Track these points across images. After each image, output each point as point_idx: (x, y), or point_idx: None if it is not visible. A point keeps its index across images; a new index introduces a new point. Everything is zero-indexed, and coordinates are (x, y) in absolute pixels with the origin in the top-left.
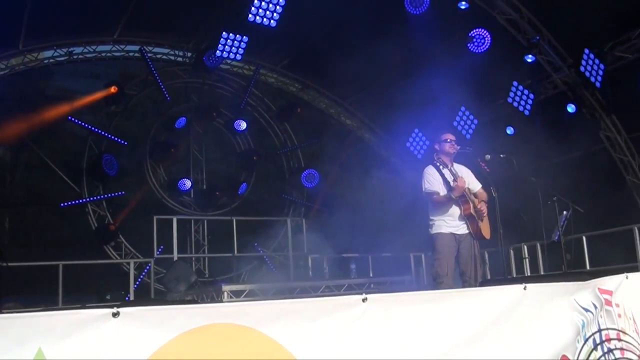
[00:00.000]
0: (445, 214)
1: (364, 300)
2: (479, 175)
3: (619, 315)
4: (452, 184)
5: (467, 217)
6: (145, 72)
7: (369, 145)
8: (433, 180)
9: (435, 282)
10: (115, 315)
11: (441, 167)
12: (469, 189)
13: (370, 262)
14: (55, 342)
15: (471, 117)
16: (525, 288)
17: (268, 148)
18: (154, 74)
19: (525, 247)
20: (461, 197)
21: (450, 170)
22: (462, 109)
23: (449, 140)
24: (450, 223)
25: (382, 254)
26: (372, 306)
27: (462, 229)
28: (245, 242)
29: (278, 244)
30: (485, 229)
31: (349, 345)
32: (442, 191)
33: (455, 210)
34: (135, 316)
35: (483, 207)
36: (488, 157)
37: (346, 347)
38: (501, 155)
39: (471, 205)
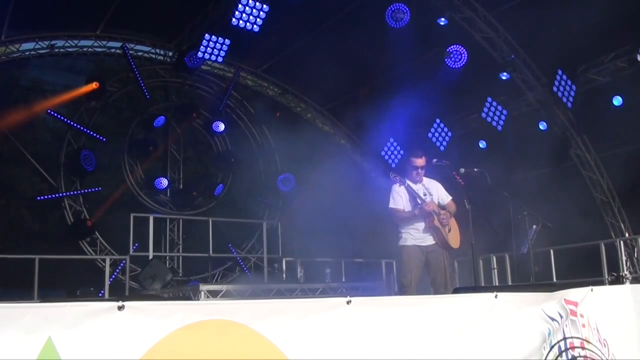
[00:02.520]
0: (410, 226)
1: (348, 302)
2: (453, 187)
3: (583, 325)
4: (420, 203)
5: (432, 229)
6: (126, 69)
7: (344, 151)
8: (398, 198)
9: (400, 293)
10: (120, 308)
11: (409, 183)
12: (438, 203)
13: (343, 267)
14: (64, 331)
15: (445, 129)
16: (496, 296)
17: (245, 150)
18: (134, 72)
19: (495, 257)
20: (425, 212)
21: (419, 189)
22: (437, 121)
23: (415, 165)
24: (415, 235)
25: (355, 260)
26: (355, 308)
27: (428, 240)
28: (220, 243)
29: (252, 245)
30: (454, 239)
31: (335, 345)
32: (407, 207)
33: (420, 223)
34: (139, 309)
35: (446, 217)
36: (462, 170)
37: (332, 346)
38: (475, 169)
39: (435, 217)
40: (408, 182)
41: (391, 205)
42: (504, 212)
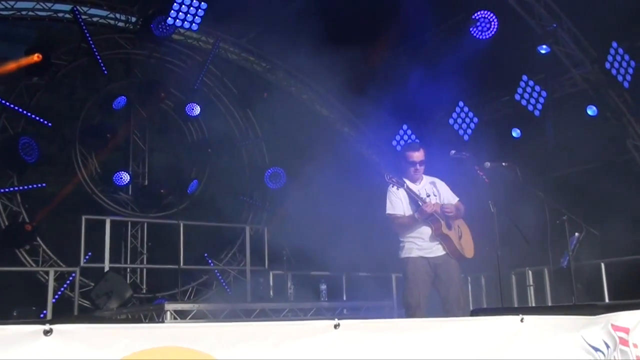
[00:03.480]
0: (414, 234)
1: (336, 326)
2: (474, 186)
3: (638, 358)
4: (420, 204)
5: (440, 237)
6: (78, 38)
7: (348, 141)
8: (396, 201)
9: (407, 315)
10: (47, 332)
11: (405, 187)
12: (440, 205)
13: (344, 282)
14: None
15: (470, 114)
16: (522, 320)
17: (226, 139)
18: (88, 41)
19: (530, 272)
20: (429, 216)
21: (419, 190)
22: (461, 104)
23: (412, 161)
24: (421, 245)
25: (359, 274)
26: (345, 334)
27: (436, 250)
28: (194, 252)
29: (233, 256)
30: (467, 246)
31: None
32: (408, 211)
33: (425, 230)
34: (71, 335)
35: (452, 213)
36: (488, 164)
37: None
38: (503, 164)
39: (443, 223)
40: (407, 182)
41: (389, 211)
42: (539, 217)
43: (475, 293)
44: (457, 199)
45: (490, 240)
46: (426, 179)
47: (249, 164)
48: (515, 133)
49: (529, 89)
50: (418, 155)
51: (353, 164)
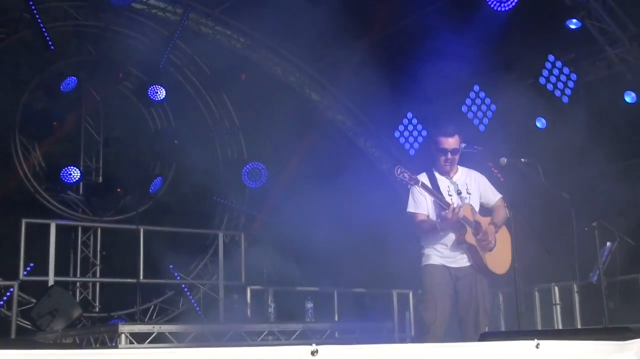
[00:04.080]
0: (436, 241)
1: (313, 353)
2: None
3: None
4: (443, 212)
5: (463, 246)
6: (19, 7)
7: (342, 131)
8: (420, 198)
9: (419, 333)
10: None
11: (421, 185)
12: (480, 206)
13: (335, 299)
14: None
15: (487, 100)
16: (537, 346)
17: (196, 128)
18: (32, 10)
19: (557, 289)
20: (455, 222)
21: (450, 184)
22: (476, 88)
23: (444, 148)
24: (443, 252)
25: (354, 290)
26: None
27: (459, 260)
28: (157, 263)
29: (204, 268)
30: (498, 260)
31: None
32: (433, 214)
33: (449, 237)
34: None
35: (489, 234)
36: (504, 161)
37: None
38: (522, 160)
39: (469, 230)
40: (436, 175)
41: (410, 209)
42: (564, 223)
43: (492, 313)
44: (498, 196)
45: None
46: (462, 171)
47: (223, 158)
48: (540, 123)
49: (556, 71)
50: (452, 142)
51: (349, 158)
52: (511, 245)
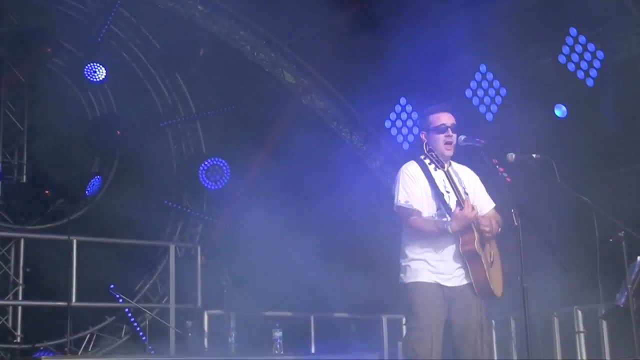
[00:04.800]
0: (428, 249)
1: None
2: (491, 187)
3: None
4: (454, 210)
5: (467, 257)
6: None
7: (323, 121)
8: (413, 188)
9: None
10: None
11: (432, 166)
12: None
13: (312, 327)
14: None
15: (496, 83)
16: None
17: (144, 116)
18: None
19: (580, 313)
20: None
21: (448, 177)
22: (482, 69)
23: (440, 125)
24: (436, 266)
25: (335, 315)
26: None
27: (456, 278)
28: (93, 283)
29: (152, 288)
30: (497, 278)
31: None
32: (431, 209)
33: (446, 244)
34: None
35: (492, 224)
36: (512, 157)
37: None
38: (534, 156)
39: (477, 236)
40: (430, 164)
41: (400, 201)
42: (585, 233)
43: (501, 341)
44: (493, 205)
45: (516, 265)
46: (456, 166)
47: (177, 153)
48: (559, 111)
49: (578, 48)
50: (446, 119)
51: (330, 153)
52: (521, 258)
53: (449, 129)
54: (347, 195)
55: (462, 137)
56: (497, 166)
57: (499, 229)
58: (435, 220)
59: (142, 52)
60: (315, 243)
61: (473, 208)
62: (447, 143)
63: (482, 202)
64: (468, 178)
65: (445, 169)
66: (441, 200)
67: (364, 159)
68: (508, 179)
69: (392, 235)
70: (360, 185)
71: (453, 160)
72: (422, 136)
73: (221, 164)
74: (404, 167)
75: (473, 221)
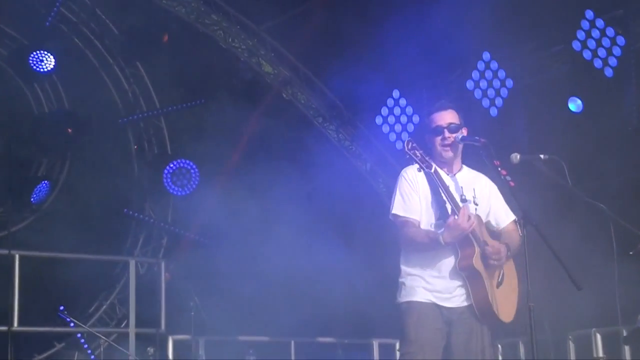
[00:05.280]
0: (425, 265)
1: None
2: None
3: None
4: (449, 218)
5: (464, 273)
6: None
7: (305, 117)
8: (411, 195)
9: None
10: None
11: (434, 171)
12: (481, 220)
13: (292, 353)
14: None
15: (501, 74)
16: None
17: (100, 111)
18: None
19: (599, 337)
20: (463, 238)
21: (452, 185)
22: (486, 57)
23: (436, 126)
24: (434, 284)
25: (319, 340)
26: None
27: (456, 298)
28: (40, 304)
29: (109, 310)
30: (506, 301)
31: None
32: (429, 219)
33: (445, 260)
34: None
35: (499, 253)
36: (516, 157)
37: None
38: (542, 156)
39: (477, 250)
40: (431, 169)
41: (396, 210)
42: (601, 244)
43: None
44: (511, 218)
45: (524, 281)
46: (467, 172)
47: (138, 153)
48: (574, 105)
49: (596, 33)
50: (447, 116)
51: (314, 154)
52: (518, 285)
53: (445, 130)
54: (333, 202)
55: (460, 135)
56: (500, 168)
57: (516, 246)
58: (428, 230)
59: (98, 38)
60: (297, 257)
61: (470, 218)
62: (444, 145)
63: (498, 214)
64: (481, 186)
65: (453, 173)
66: (443, 209)
67: (352, 160)
68: (511, 183)
69: (388, 248)
70: (348, 190)
71: (466, 165)
72: (425, 138)
73: (189, 167)
74: (403, 170)
75: (469, 232)
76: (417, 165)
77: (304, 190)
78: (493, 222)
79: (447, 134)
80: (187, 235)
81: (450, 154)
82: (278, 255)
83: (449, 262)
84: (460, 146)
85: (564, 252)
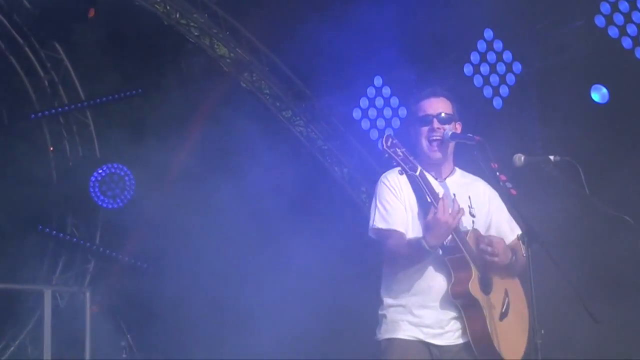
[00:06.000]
0: (410, 289)
1: None
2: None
3: None
4: (431, 213)
5: (459, 301)
6: None
7: (267, 109)
8: (394, 204)
9: None
10: None
11: (419, 174)
12: (478, 235)
13: None
14: None
15: (507, 56)
16: None
17: (8, 104)
18: None
19: None
20: (451, 250)
21: (442, 191)
22: (488, 35)
23: (426, 114)
24: (420, 316)
25: None
26: None
27: (450, 333)
28: None
29: (19, 350)
30: (511, 336)
31: None
32: (413, 231)
33: (435, 284)
34: None
35: (495, 246)
36: (520, 159)
37: None
38: (552, 158)
39: (473, 271)
40: (417, 173)
41: (377, 223)
42: (626, 268)
43: None
44: (516, 232)
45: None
46: (461, 176)
47: (58, 156)
48: (598, 94)
49: (624, 6)
50: (438, 105)
51: (276, 156)
52: (532, 299)
53: (434, 120)
54: (301, 217)
55: (450, 132)
56: (498, 173)
57: (521, 264)
58: (410, 239)
59: (6, 14)
60: (257, 282)
61: (454, 210)
62: (431, 140)
63: (500, 227)
64: (479, 194)
65: (442, 177)
66: (432, 200)
67: (326, 164)
68: (513, 192)
69: (363, 265)
70: (320, 201)
71: (459, 168)
72: (411, 132)
73: (123, 173)
74: (383, 176)
75: (451, 237)
76: (398, 169)
77: (264, 201)
78: (501, 234)
79: (436, 124)
80: (120, 259)
81: (438, 154)
82: (233, 277)
83: (439, 287)
84: (451, 145)
85: (577, 277)
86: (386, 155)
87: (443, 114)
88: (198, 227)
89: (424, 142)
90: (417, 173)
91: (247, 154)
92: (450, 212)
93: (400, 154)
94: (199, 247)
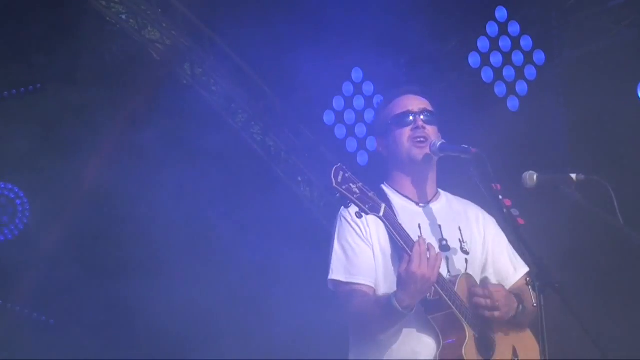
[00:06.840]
0: (389, 358)
1: None
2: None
3: None
4: (403, 264)
5: None
6: None
7: (217, 114)
8: (358, 248)
9: None
10: None
11: (384, 216)
12: (471, 280)
13: None
14: None
15: (526, 43)
16: None
17: None
18: None
19: None
20: (436, 306)
21: (423, 220)
22: (500, 16)
23: (404, 112)
24: None
25: None
26: None
27: None
28: None
29: None
30: None
31: None
32: (386, 286)
33: (418, 349)
34: None
35: (495, 296)
36: (533, 178)
37: None
38: (573, 176)
39: (467, 330)
40: (389, 193)
41: (336, 274)
42: None
43: None
44: (522, 272)
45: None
46: (447, 200)
47: None
48: None
49: None
50: (417, 102)
51: (225, 173)
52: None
53: (418, 117)
54: (261, 253)
55: (439, 142)
56: (501, 197)
57: (531, 312)
58: (379, 297)
59: None
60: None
61: (430, 256)
62: (417, 140)
63: (501, 265)
64: (472, 224)
65: (427, 199)
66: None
67: (291, 185)
68: (519, 221)
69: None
70: (282, 232)
71: (449, 192)
72: (379, 147)
73: (13, 195)
74: (343, 209)
75: (434, 278)
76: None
77: (207, 232)
78: (494, 279)
79: (420, 123)
80: (10, 309)
81: (426, 150)
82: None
83: (428, 353)
84: (434, 161)
85: (602, 330)
86: (337, 194)
87: (427, 113)
88: (111, 266)
89: (406, 144)
90: (381, 214)
91: (184, 168)
92: (428, 261)
93: (357, 190)
94: (118, 289)
